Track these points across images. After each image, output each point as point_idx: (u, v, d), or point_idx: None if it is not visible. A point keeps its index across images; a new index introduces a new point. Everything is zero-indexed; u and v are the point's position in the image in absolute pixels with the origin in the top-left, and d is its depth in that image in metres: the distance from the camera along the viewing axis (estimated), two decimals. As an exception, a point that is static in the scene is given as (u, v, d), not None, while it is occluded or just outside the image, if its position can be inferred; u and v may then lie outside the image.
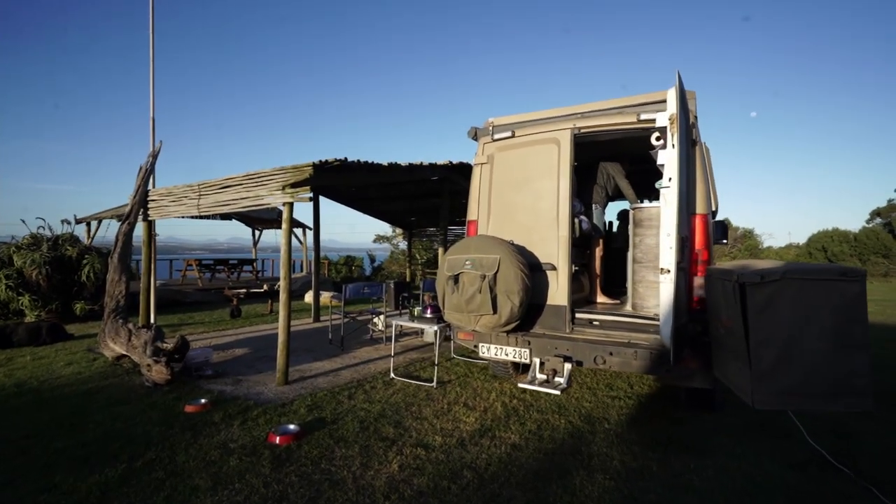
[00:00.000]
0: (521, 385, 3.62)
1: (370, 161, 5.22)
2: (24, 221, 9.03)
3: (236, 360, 5.80)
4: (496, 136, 4.36)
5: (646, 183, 5.65)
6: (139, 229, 6.49)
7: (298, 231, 17.33)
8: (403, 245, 19.13)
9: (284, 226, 4.74)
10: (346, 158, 4.83)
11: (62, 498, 2.63)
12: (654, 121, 3.62)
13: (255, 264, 17.34)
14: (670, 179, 3.02)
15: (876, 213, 32.08)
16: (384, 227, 19.85)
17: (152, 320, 6.79)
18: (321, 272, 18.00)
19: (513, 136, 4.27)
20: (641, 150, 5.01)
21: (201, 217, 6.37)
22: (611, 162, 4.90)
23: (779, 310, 2.07)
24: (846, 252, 27.77)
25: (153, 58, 7.90)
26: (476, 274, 3.70)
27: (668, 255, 3.03)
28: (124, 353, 5.15)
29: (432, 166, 6.33)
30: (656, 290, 3.73)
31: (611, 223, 6.56)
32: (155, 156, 6.43)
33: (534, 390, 3.67)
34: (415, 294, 9.41)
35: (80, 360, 5.73)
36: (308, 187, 4.52)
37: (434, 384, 4.75)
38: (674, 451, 3.28)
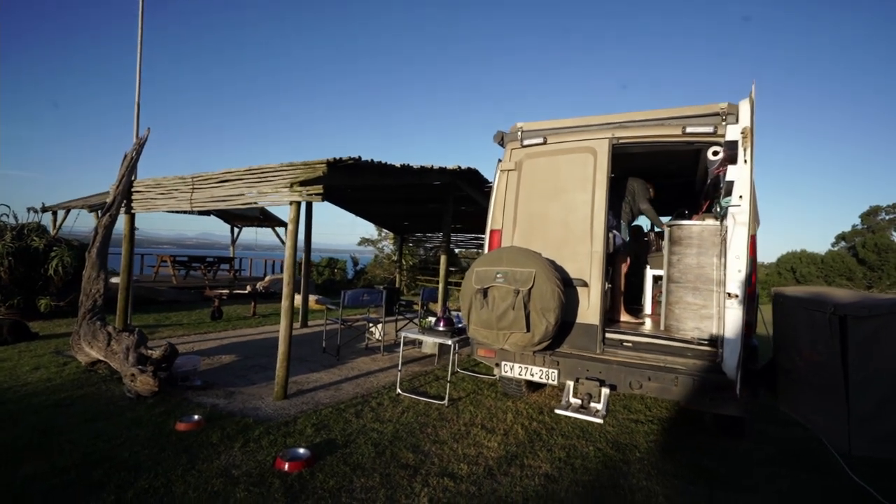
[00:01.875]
0: (557, 412, 3.34)
1: (383, 161, 4.91)
2: (-14, 208, 8.28)
3: (225, 369, 5.35)
4: (526, 142, 4.12)
5: (668, 199, 5.54)
6: (120, 222, 5.97)
7: (281, 230, 16.72)
8: (389, 249, 18.74)
9: (290, 226, 4.38)
10: (359, 157, 4.51)
11: (39, 540, 2.22)
12: (700, 134, 3.46)
13: (232, 263, 16.64)
14: (741, 197, 2.84)
15: (841, 237, 33.55)
16: (370, 230, 19.41)
17: (129, 321, 6.24)
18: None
19: (544, 142, 4.05)
20: (676, 165, 4.90)
21: (182, 211, 5.91)
22: (638, 179, 4.74)
23: (885, 347, 1.90)
24: (813, 273, 28.85)
25: (141, 34, 7.38)
26: (509, 288, 3.43)
27: (736, 279, 2.84)
28: (101, 358, 4.65)
29: (441, 170, 6.06)
30: (696, 312, 3.56)
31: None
32: (142, 144, 5.94)
33: (568, 416, 3.40)
34: (408, 301, 9.09)
35: (47, 363, 5.17)
36: (321, 186, 4.18)
37: (446, 402, 4.45)
38: (718, 485, 3.08)
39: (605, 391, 3.39)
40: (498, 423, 4.05)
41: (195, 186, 5.16)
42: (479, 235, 11.37)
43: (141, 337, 4.62)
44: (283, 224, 16.32)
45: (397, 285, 12.41)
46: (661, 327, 3.86)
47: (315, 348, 6.71)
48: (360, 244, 19.21)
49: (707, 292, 3.51)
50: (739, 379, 2.75)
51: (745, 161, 2.82)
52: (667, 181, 5.12)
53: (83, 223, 13.23)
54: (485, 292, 3.54)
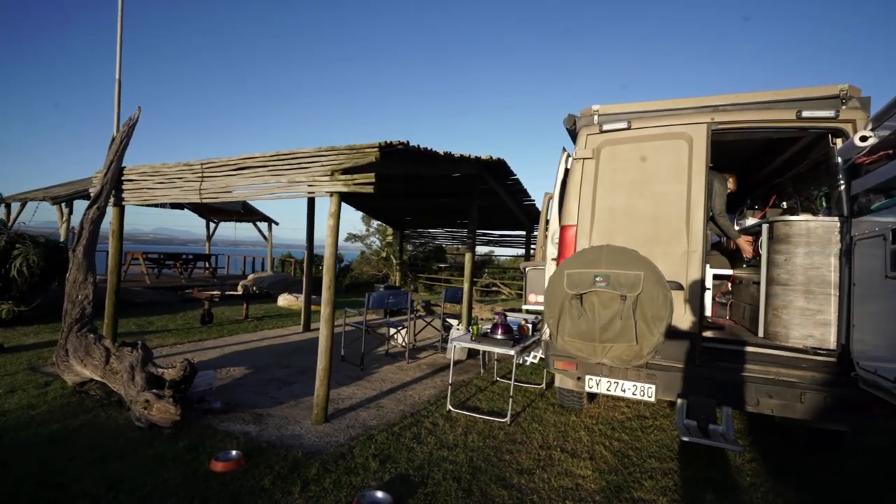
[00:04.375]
0: (685, 439, 2.87)
1: (429, 148, 4.34)
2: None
3: (240, 386, 4.67)
4: (605, 128, 3.65)
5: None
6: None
7: (263, 225, 15.74)
8: (377, 245, 18.03)
9: (330, 221, 3.75)
10: (407, 142, 3.93)
11: None
12: (819, 119, 3.09)
13: (209, 260, 15.56)
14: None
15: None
16: (357, 225, 18.62)
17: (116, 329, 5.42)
18: (288, 272, 16.50)
19: (628, 127, 3.58)
20: (757, 154, 4.52)
21: (186, 203, 5.15)
22: (714, 171, 4.36)
23: None
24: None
25: (122, 3, 6.49)
26: (613, 294, 2.96)
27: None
28: (98, 378, 3.90)
29: (477, 160, 5.53)
30: (809, 318, 3.19)
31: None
32: (132, 125, 5.12)
33: (704, 444, 2.89)
34: (427, 303, 8.54)
35: (24, 384, 4.35)
36: (372, 174, 3.58)
37: (507, 420, 3.96)
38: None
39: (727, 411, 2.98)
40: (575, 444, 3.59)
41: (205, 175, 4.43)
42: (507, 233, 10.82)
43: (146, 352, 3.90)
44: (267, 219, 15.39)
45: (397, 283, 11.78)
46: (760, 334, 3.49)
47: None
48: (346, 240, 18.39)
49: (823, 296, 3.15)
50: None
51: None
52: (734, 173, 4.77)
53: (43, 216, 11.92)
54: (581, 298, 3.05)
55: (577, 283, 3.08)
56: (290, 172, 3.94)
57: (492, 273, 18.59)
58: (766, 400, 3.00)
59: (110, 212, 5.14)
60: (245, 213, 14.90)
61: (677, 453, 3.48)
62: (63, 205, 10.69)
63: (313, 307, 10.61)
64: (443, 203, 8.85)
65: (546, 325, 3.90)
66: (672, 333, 3.24)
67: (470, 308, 6.55)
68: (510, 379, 5.31)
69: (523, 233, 9.95)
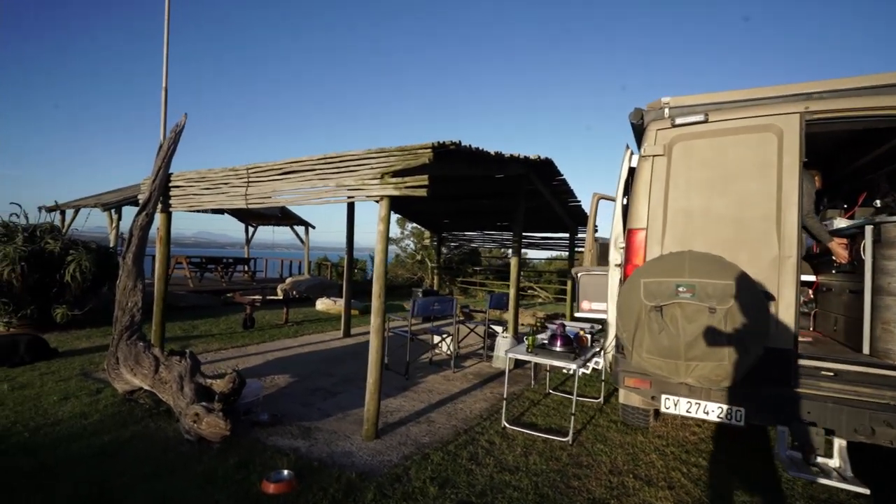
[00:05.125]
0: (791, 474, 2.50)
1: (480, 147, 4.11)
2: (-8, 207, 7.44)
3: (285, 395, 4.55)
4: (679, 121, 3.32)
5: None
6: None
7: (300, 229, 15.92)
8: (412, 248, 17.94)
9: (380, 227, 3.57)
10: (459, 142, 3.71)
11: None
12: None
13: (248, 264, 15.83)
14: None
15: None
16: (391, 228, 18.56)
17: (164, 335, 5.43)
18: (324, 275, 16.61)
19: (705, 120, 3.24)
20: (865, 148, 4.07)
21: (232, 209, 5.10)
22: (804, 170, 3.95)
23: None
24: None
25: (168, 14, 6.57)
26: (700, 307, 2.64)
27: None
28: (147, 388, 3.85)
29: (526, 160, 5.26)
30: (932, 334, 2.77)
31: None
32: (179, 131, 5.12)
33: (817, 482, 2.51)
34: (467, 308, 8.32)
35: (76, 391, 4.37)
36: (426, 177, 3.37)
37: (569, 439, 3.66)
38: None
39: (841, 443, 2.60)
40: (648, 469, 3.26)
41: (251, 180, 4.34)
42: (550, 235, 10.47)
43: (195, 361, 3.82)
44: (304, 223, 15.53)
45: (435, 287, 11.60)
46: (866, 350, 3.07)
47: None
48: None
49: (948, 310, 2.73)
50: None
51: None
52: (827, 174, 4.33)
53: (93, 223, 12.39)
54: (661, 311, 2.75)
55: (656, 294, 2.78)
56: (338, 176, 3.78)
57: (527, 276, 18.18)
58: (883, 429, 2.61)
59: (157, 218, 5.15)
60: (283, 217, 15.08)
61: (771, 485, 3.10)
62: (113, 211, 11.05)
63: (354, 312, 10.57)
64: (483, 205, 8.60)
65: (609, 338, 3.60)
66: (764, 349, 2.89)
67: (516, 315, 6.28)
68: (563, 391, 5.03)
69: (566, 235, 9.58)
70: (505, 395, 4.04)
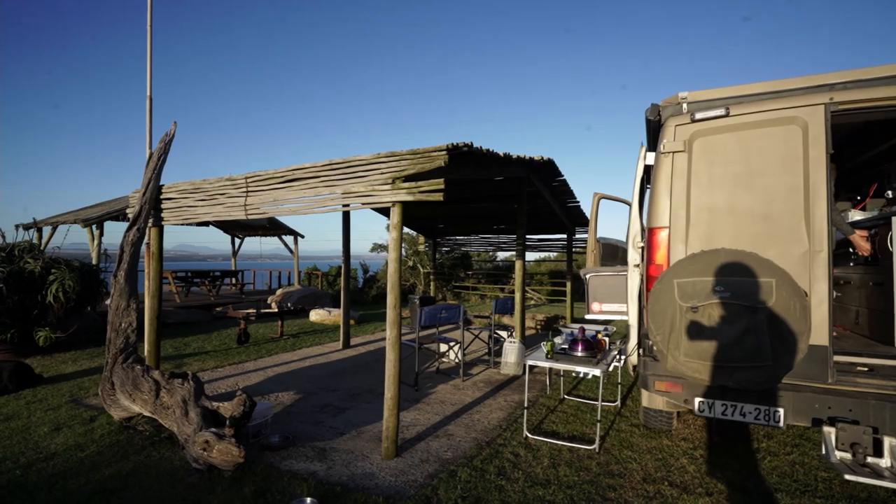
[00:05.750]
0: (848, 478, 2.40)
1: (491, 149, 3.98)
2: (-34, 226, 7.03)
3: (291, 414, 4.34)
4: (698, 116, 3.24)
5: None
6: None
7: (289, 239, 15.59)
8: (403, 254, 17.73)
9: (393, 234, 3.42)
10: (471, 143, 3.59)
11: None
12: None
13: (236, 276, 15.43)
14: None
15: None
16: (382, 235, 18.30)
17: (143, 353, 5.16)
18: (315, 285, 16.29)
19: (727, 114, 3.17)
20: (878, 139, 4.03)
21: (229, 221, 4.88)
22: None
23: None
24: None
25: (151, 14, 6.33)
26: (740, 306, 2.55)
27: None
28: (148, 414, 3.61)
29: (531, 161, 5.15)
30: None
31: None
32: (169, 141, 4.88)
33: (879, 485, 2.39)
34: (479, 316, 8.17)
35: (68, 420, 4.09)
36: (441, 180, 3.22)
37: (595, 447, 3.54)
38: None
39: (892, 441, 2.52)
40: (682, 475, 3.16)
41: (250, 189, 4.14)
42: (547, 237, 10.38)
43: (198, 384, 3.60)
44: (293, 232, 15.23)
45: (431, 293, 11.43)
46: (899, 344, 3.02)
47: (378, 376, 5.71)
48: (372, 250, 18.13)
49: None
50: None
51: None
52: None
53: (72, 239, 11.93)
54: (697, 312, 2.64)
55: (691, 295, 2.68)
56: (346, 182, 3.61)
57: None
58: (930, 425, 2.54)
59: (147, 233, 4.90)
60: (271, 227, 14.76)
61: (809, 486, 3.02)
62: (94, 227, 10.62)
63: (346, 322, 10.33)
64: (480, 208, 8.48)
65: (631, 341, 3.50)
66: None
67: (523, 319, 6.17)
68: (577, 395, 4.92)
69: (564, 236, 9.52)
70: (525, 405, 3.90)
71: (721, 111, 3.19)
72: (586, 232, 9.43)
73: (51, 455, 3.37)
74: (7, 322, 6.57)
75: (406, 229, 15.86)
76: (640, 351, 3.27)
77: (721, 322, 2.59)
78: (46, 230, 11.97)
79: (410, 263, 16.76)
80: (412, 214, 9.41)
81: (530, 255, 19.25)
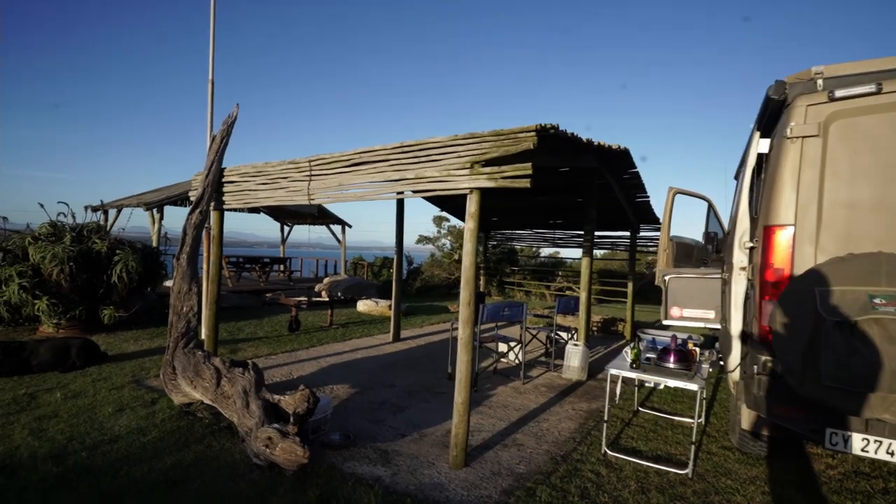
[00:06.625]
0: None
1: (575, 133, 3.60)
2: (42, 206, 7.33)
3: (349, 409, 4.15)
4: (839, 94, 2.73)
5: None
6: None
7: (336, 228, 15.69)
8: (448, 247, 17.49)
9: (469, 224, 3.12)
10: (557, 125, 3.22)
11: None
12: None
13: (285, 264, 15.68)
14: None
15: None
16: (429, 227, 18.13)
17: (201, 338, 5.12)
18: (360, 275, 16.35)
19: (878, 91, 2.65)
20: None
21: (293, 206, 4.73)
22: None
23: None
24: None
25: (214, 4, 6.30)
26: (910, 323, 2.08)
27: None
28: (208, 402, 3.50)
29: (606, 148, 4.71)
30: None
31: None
32: (231, 123, 4.79)
33: None
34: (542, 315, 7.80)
35: (131, 401, 4.08)
36: (529, 165, 2.89)
37: (688, 472, 3.12)
38: None
39: None
40: (801, 514, 2.71)
41: (314, 173, 3.95)
42: (609, 233, 9.83)
43: (258, 374, 3.45)
44: (341, 221, 15.29)
45: (482, 288, 11.12)
46: None
47: (433, 372, 5.49)
48: (417, 242, 18.01)
49: None
50: None
51: None
52: None
53: (135, 222, 12.43)
54: (851, 328, 2.19)
55: (841, 307, 2.22)
56: (418, 166, 3.34)
57: (565, 276, 17.51)
58: None
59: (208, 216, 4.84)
60: (319, 215, 14.87)
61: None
62: (154, 210, 10.99)
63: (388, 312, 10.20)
64: (541, 201, 8.06)
65: (733, 355, 3.04)
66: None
67: (588, 321, 5.75)
68: (651, 407, 4.47)
69: (627, 233, 8.95)
70: (605, 417, 3.52)
71: (871, 87, 2.66)
72: (653, 230, 8.82)
73: (115, 437, 3.32)
74: (76, 299, 6.81)
75: (454, 220, 15.61)
76: (755, 368, 2.82)
77: (883, 341, 2.12)
78: (112, 213, 12.53)
79: (456, 257, 16.50)
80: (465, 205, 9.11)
81: (574, 253, 18.55)
